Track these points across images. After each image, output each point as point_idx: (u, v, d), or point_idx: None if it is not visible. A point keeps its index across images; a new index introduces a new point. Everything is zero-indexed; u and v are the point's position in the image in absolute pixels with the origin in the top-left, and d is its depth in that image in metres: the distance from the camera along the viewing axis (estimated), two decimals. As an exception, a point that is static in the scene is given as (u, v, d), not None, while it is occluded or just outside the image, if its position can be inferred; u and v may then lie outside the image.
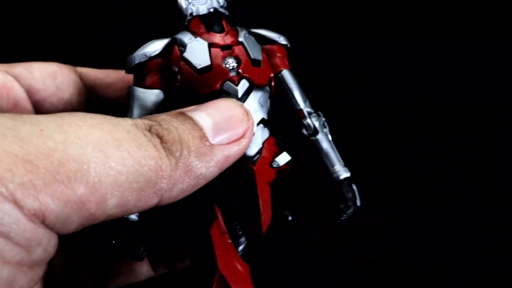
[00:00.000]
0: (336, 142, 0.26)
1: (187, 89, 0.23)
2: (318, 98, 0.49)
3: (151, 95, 0.24)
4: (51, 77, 0.26)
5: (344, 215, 0.25)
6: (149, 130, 0.19)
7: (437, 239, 0.46)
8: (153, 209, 0.19)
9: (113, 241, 0.22)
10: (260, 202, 0.22)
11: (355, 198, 0.25)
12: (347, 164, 0.26)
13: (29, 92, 0.25)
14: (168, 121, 0.20)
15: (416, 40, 0.51)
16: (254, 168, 0.23)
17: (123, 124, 0.18)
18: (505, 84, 0.50)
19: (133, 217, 0.22)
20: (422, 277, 0.45)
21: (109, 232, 0.20)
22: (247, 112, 0.22)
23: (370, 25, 0.52)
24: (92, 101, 0.27)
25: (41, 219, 0.16)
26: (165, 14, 0.29)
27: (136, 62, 0.24)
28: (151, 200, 0.19)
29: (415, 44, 0.51)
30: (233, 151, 0.21)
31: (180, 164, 0.19)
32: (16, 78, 0.25)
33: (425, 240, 0.46)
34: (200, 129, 0.20)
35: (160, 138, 0.19)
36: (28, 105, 0.25)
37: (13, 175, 0.15)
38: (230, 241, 0.23)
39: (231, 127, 0.21)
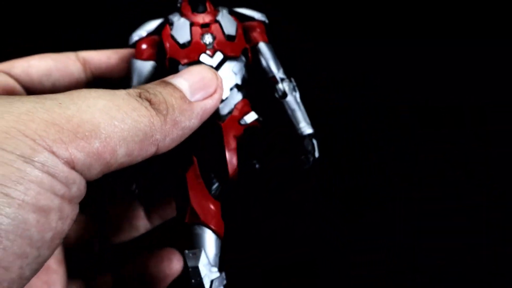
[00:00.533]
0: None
1: (174, 60, 0.28)
2: (318, 98, 0.49)
3: (147, 66, 0.29)
4: (46, 75, 0.30)
5: (305, 166, 0.29)
6: (139, 96, 0.24)
7: (437, 239, 0.46)
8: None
9: (110, 179, 0.27)
10: (226, 152, 0.28)
11: (314, 151, 0.29)
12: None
13: (28, 92, 0.30)
14: (153, 88, 0.25)
15: (416, 40, 0.51)
16: (222, 124, 0.28)
17: (118, 93, 0.23)
18: (505, 84, 0.50)
19: None
20: (422, 277, 0.45)
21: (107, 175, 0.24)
22: (215, 73, 0.27)
23: (370, 25, 0.52)
24: (95, 83, 0.32)
25: (72, 165, 0.21)
26: (165, 14, 0.30)
27: (136, 39, 0.30)
28: (150, 149, 0.23)
29: (415, 44, 0.51)
30: (209, 105, 0.26)
31: (168, 120, 0.24)
32: (16, 79, 0.29)
33: (425, 240, 0.46)
34: (180, 91, 0.25)
35: (149, 101, 0.24)
36: None
37: (47, 134, 0.20)
38: (202, 183, 0.28)
39: (204, 86, 0.26)
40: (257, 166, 0.29)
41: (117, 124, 0.22)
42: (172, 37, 0.29)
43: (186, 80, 0.26)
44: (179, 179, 0.28)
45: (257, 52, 0.30)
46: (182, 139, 0.25)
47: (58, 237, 0.21)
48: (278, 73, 0.30)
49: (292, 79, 0.30)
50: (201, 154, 0.28)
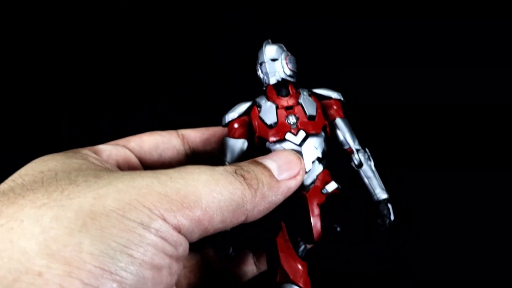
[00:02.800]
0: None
1: (262, 138, 0.33)
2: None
3: (239, 143, 0.34)
4: (155, 147, 0.36)
5: (382, 228, 0.33)
6: (235, 172, 0.28)
7: (439, 240, 0.46)
8: (242, 225, 0.29)
9: (211, 244, 0.33)
10: (311, 219, 0.32)
11: (390, 214, 0.32)
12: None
13: (140, 161, 0.36)
14: (247, 166, 0.30)
15: (417, 41, 0.51)
16: (306, 194, 0.32)
17: (218, 169, 0.28)
18: (506, 84, 0.50)
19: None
20: (422, 278, 0.45)
21: (209, 238, 0.29)
22: (299, 157, 0.32)
23: (372, 26, 0.52)
24: (192, 154, 0.38)
25: (179, 230, 0.25)
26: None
27: (229, 119, 0.34)
28: (240, 218, 0.28)
29: (417, 45, 0.51)
30: (293, 184, 0.30)
31: (257, 193, 0.28)
32: (132, 151, 0.35)
33: (427, 242, 0.46)
34: (269, 170, 0.30)
35: (243, 176, 0.28)
36: (140, 169, 0.36)
37: (161, 204, 0.25)
38: (291, 245, 0.32)
39: (289, 168, 0.30)
40: (338, 229, 0.32)
41: (216, 196, 0.27)
42: (260, 118, 0.34)
43: (274, 161, 0.30)
44: (270, 243, 0.33)
45: (334, 127, 0.34)
46: (267, 211, 0.29)
47: None
48: (354, 145, 0.34)
49: (367, 150, 0.34)
50: (289, 221, 0.33)
